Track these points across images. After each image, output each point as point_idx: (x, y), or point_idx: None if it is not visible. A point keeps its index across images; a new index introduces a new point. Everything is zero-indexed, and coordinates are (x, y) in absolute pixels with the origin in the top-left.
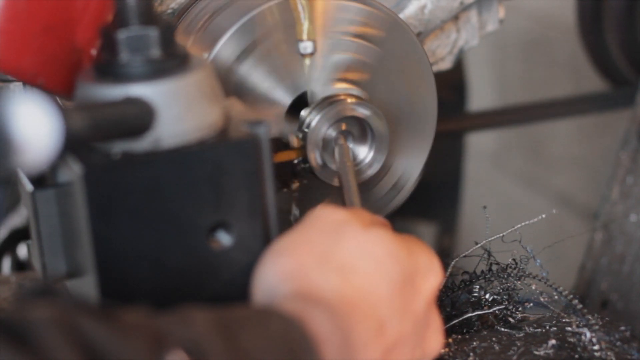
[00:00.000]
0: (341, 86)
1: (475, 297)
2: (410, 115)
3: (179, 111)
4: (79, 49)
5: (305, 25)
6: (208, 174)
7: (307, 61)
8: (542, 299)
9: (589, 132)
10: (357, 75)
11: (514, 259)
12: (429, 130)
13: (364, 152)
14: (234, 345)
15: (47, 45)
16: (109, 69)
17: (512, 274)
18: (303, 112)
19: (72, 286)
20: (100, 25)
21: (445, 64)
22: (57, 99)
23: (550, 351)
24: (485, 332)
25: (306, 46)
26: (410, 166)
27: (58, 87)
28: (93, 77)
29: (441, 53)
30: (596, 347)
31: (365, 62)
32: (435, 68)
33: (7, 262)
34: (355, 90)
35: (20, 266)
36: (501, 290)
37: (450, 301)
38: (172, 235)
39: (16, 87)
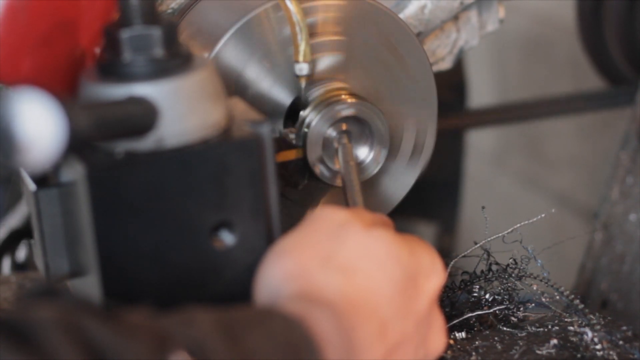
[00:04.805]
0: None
1: (475, 297)
2: (410, 115)
3: (182, 110)
4: (81, 53)
5: (302, 47)
6: (211, 173)
7: (303, 82)
8: (543, 299)
9: (589, 132)
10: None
11: (514, 259)
12: (429, 130)
13: (364, 152)
14: (237, 346)
15: (46, 56)
16: (112, 68)
17: (512, 274)
18: (303, 112)
19: (75, 285)
20: (104, 25)
21: (445, 64)
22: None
23: (553, 350)
24: (488, 332)
25: (302, 68)
26: (410, 166)
27: (58, 94)
28: (96, 77)
29: (441, 53)
30: (598, 347)
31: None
32: (435, 68)
33: (7, 262)
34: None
35: (20, 266)
36: (502, 290)
37: (450, 301)
38: (175, 234)
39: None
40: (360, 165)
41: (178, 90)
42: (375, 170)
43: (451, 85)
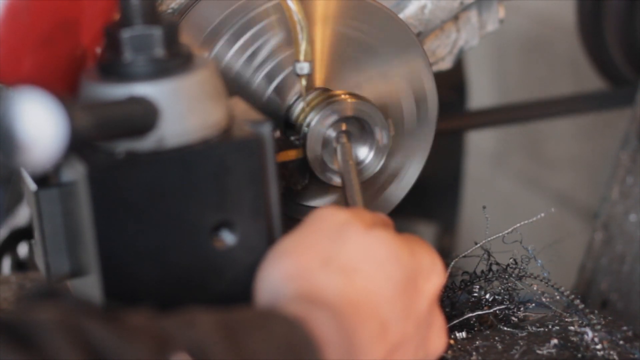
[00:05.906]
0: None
1: (475, 297)
2: (410, 116)
3: (182, 110)
4: (82, 53)
5: (303, 46)
6: (212, 173)
7: (303, 81)
8: (543, 299)
9: (589, 132)
10: (359, 75)
11: (514, 259)
12: (429, 130)
13: (364, 153)
14: (237, 347)
15: (47, 56)
16: (113, 68)
17: (512, 274)
18: (304, 112)
19: (75, 285)
20: (105, 25)
21: (445, 64)
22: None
23: (553, 350)
24: (488, 332)
25: (303, 67)
26: (410, 166)
27: (58, 93)
28: (97, 77)
29: (441, 53)
30: (599, 347)
31: (366, 63)
32: (435, 68)
33: (7, 262)
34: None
35: (20, 266)
36: (502, 290)
37: (450, 301)
38: (176, 234)
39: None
40: (360, 165)
41: (178, 90)
42: (375, 170)
43: (451, 85)
